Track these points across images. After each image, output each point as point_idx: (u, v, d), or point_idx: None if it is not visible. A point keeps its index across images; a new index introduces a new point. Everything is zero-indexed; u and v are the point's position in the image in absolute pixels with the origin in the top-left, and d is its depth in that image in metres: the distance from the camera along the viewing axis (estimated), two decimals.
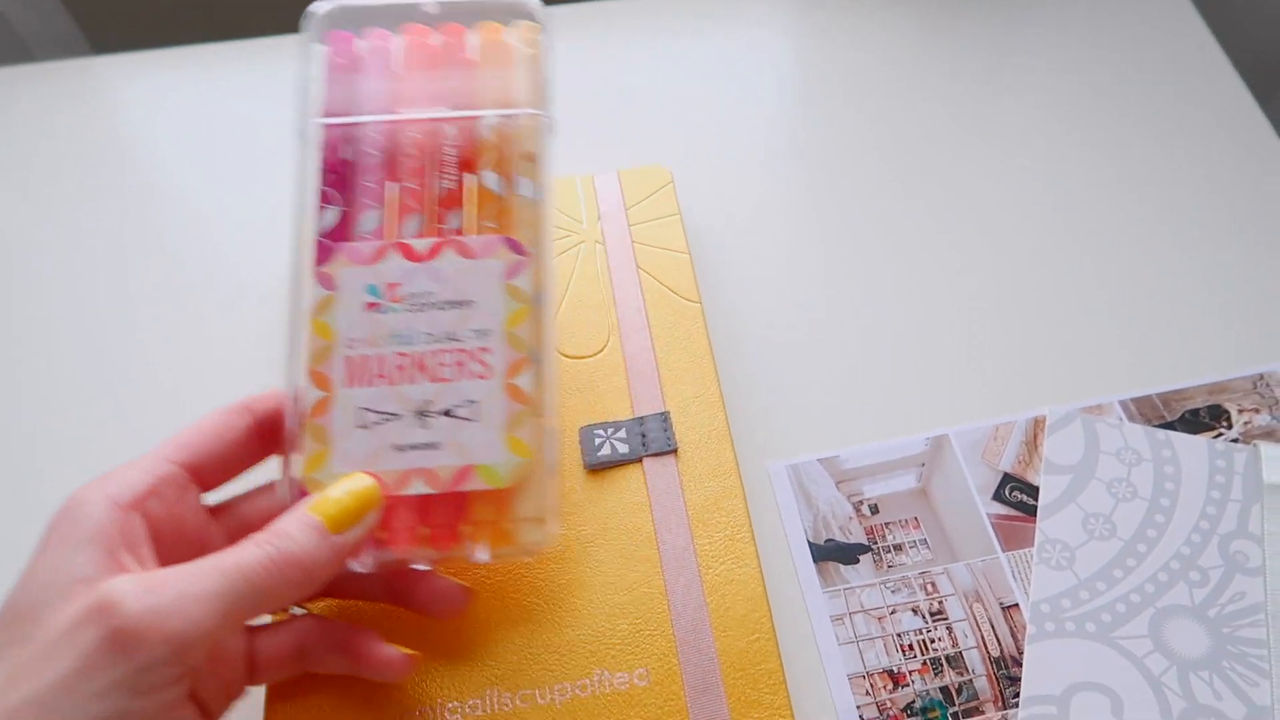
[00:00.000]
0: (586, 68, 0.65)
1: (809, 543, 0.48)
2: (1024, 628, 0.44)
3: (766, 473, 0.50)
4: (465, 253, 0.40)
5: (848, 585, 0.46)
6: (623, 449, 0.46)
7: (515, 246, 0.40)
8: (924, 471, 0.49)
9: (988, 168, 0.60)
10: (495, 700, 0.40)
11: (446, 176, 0.41)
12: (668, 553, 0.43)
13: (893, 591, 0.46)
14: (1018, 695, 0.43)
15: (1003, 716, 0.43)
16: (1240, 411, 0.50)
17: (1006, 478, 0.49)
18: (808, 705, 0.43)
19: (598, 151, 0.61)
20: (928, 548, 0.47)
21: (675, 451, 0.46)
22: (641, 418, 0.47)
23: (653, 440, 0.46)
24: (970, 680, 0.44)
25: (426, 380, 0.38)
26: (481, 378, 0.38)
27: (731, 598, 0.42)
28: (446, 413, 0.38)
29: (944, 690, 0.43)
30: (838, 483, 0.49)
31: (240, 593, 0.33)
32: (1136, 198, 0.58)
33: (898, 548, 0.47)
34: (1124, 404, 0.51)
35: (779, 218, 0.59)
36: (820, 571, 0.47)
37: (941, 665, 0.44)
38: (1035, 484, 0.48)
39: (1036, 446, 0.50)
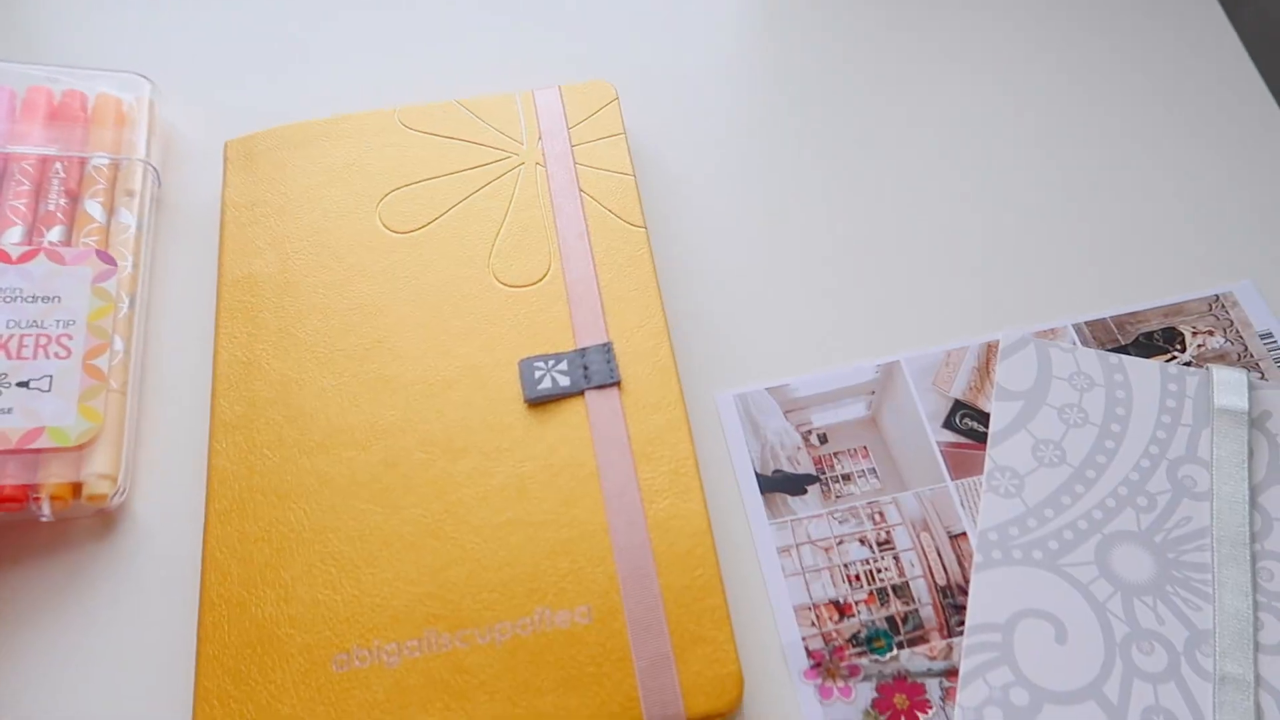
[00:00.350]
0: None
1: (756, 474, 0.46)
2: (970, 556, 0.43)
3: (714, 402, 0.48)
4: (56, 259, 0.47)
5: (795, 516, 0.45)
6: (564, 382, 0.44)
7: (106, 258, 0.48)
8: (874, 400, 0.48)
9: (941, 90, 0.57)
10: (434, 640, 0.39)
11: (52, 201, 0.50)
12: (610, 488, 0.41)
13: (840, 522, 0.45)
14: (962, 624, 0.42)
15: (948, 645, 0.42)
16: (1194, 334, 0.49)
17: (957, 405, 0.47)
18: (754, 637, 0.42)
19: (540, 68, 0.58)
20: (876, 477, 0.46)
21: (618, 384, 0.44)
22: (583, 349, 0.44)
23: (595, 372, 0.44)
24: (916, 610, 0.42)
25: (4, 357, 0.44)
26: (60, 358, 0.45)
27: (675, 533, 0.41)
28: (24, 384, 0.44)
29: (889, 620, 0.42)
30: (786, 412, 0.47)
31: None
32: (1092, 117, 0.56)
33: (846, 477, 0.46)
34: (1077, 327, 0.49)
35: (728, 139, 0.56)
36: (767, 503, 0.45)
37: (888, 595, 0.43)
38: (986, 411, 0.47)
39: (988, 372, 0.48)
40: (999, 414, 0.46)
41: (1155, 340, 0.48)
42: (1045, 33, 0.59)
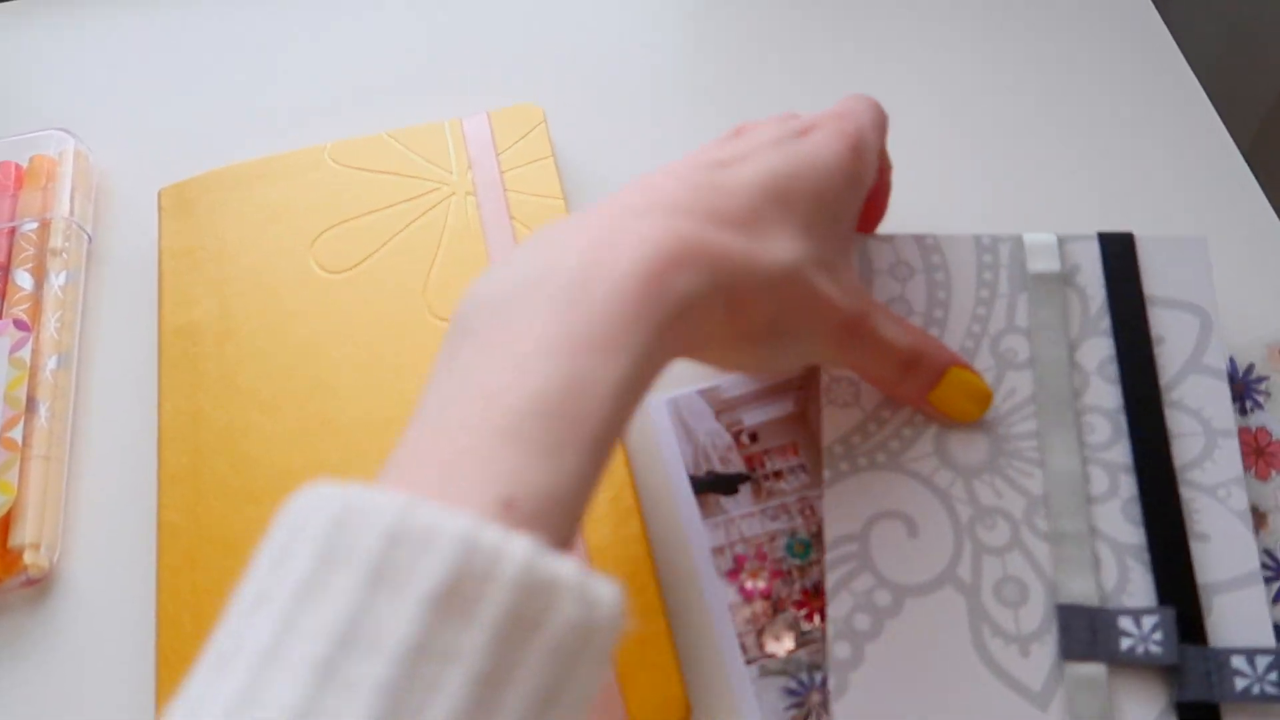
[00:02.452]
0: (449, 6, 0.56)
1: (689, 476, 0.43)
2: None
3: (646, 408, 0.44)
4: None
5: (727, 515, 0.42)
6: None
7: (21, 326, 0.45)
8: (800, 395, 0.44)
9: (877, 94, 0.53)
10: None
11: None
12: None
13: (771, 519, 0.42)
14: None
15: None
16: None
17: None
18: (691, 637, 0.39)
19: (469, 95, 0.53)
20: (805, 472, 0.43)
21: None
22: None
23: None
24: None
25: None
26: None
27: (615, 559, 0.38)
28: None
29: (824, 619, 0.39)
30: (717, 413, 0.44)
31: None
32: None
33: (777, 474, 0.43)
34: None
35: (660, 153, 0.52)
36: (700, 504, 0.42)
37: (820, 595, 0.40)
38: None
39: None
40: None
41: None
42: (990, 42, 0.55)
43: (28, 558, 0.41)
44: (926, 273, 0.41)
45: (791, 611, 0.40)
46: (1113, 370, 0.38)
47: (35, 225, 0.48)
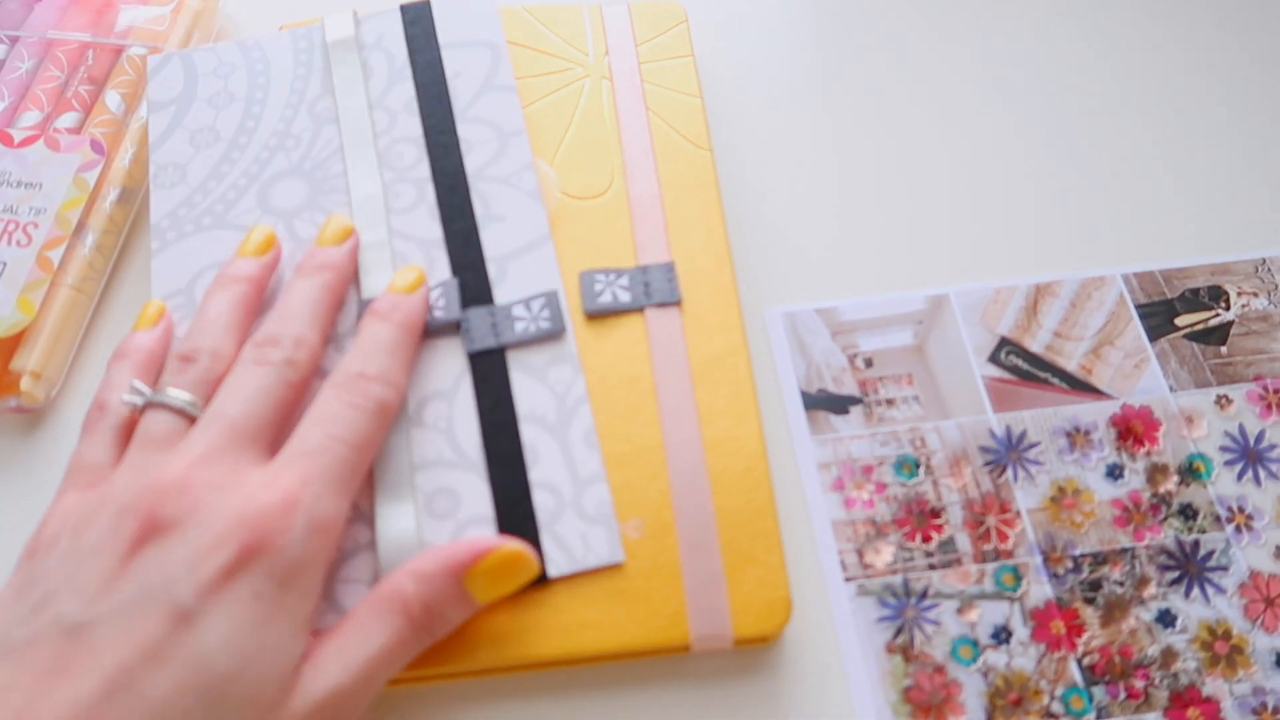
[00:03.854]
0: None
1: (801, 391, 0.41)
2: (1006, 485, 0.39)
3: (762, 318, 0.43)
4: (53, 146, 0.44)
5: (836, 435, 0.41)
6: (625, 297, 0.39)
7: (97, 148, 0.44)
8: (921, 329, 0.43)
9: (1006, 31, 0.51)
10: None
11: (72, 87, 0.46)
12: (667, 406, 0.37)
13: (881, 444, 0.40)
14: (995, 550, 0.38)
15: (980, 570, 0.38)
16: (1239, 294, 0.44)
17: (1003, 341, 0.43)
18: (791, 550, 0.38)
19: None
20: (919, 404, 0.41)
21: (679, 303, 0.39)
22: (645, 266, 0.40)
23: (656, 290, 0.39)
24: (951, 536, 0.38)
25: None
26: (21, 246, 0.41)
27: (730, 455, 0.37)
28: None
29: (924, 542, 0.38)
30: (833, 334, 0.43)
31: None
32: (1158, 75, 0.50)
33: (889, 402, 0.41)
34: (1125, 277, 0.44)
35: (792, 65, 0.50)
36: (810, 419, 0.41)
37: (924, 518, 0.39)
38: (1032, 350, 0.42)
39: (1035, 313, 0.43)
40: (155, 124, 0.44)
41: (1200, 297, 0.43)
42: None
43: (24, 384, 0.40)
44: (248, 64, 0.45)
45: (894, 531, 0.39)
46: (415, 106, 0.43)
47: (144, 52, 0.47)
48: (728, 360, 0.38)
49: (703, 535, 0.35)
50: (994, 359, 0.42)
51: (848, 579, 0.38)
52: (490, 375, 0.37)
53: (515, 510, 0.35)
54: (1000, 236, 0.45)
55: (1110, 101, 0.49)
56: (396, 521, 0.34)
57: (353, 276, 0.39)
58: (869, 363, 0.43)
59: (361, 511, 0.35)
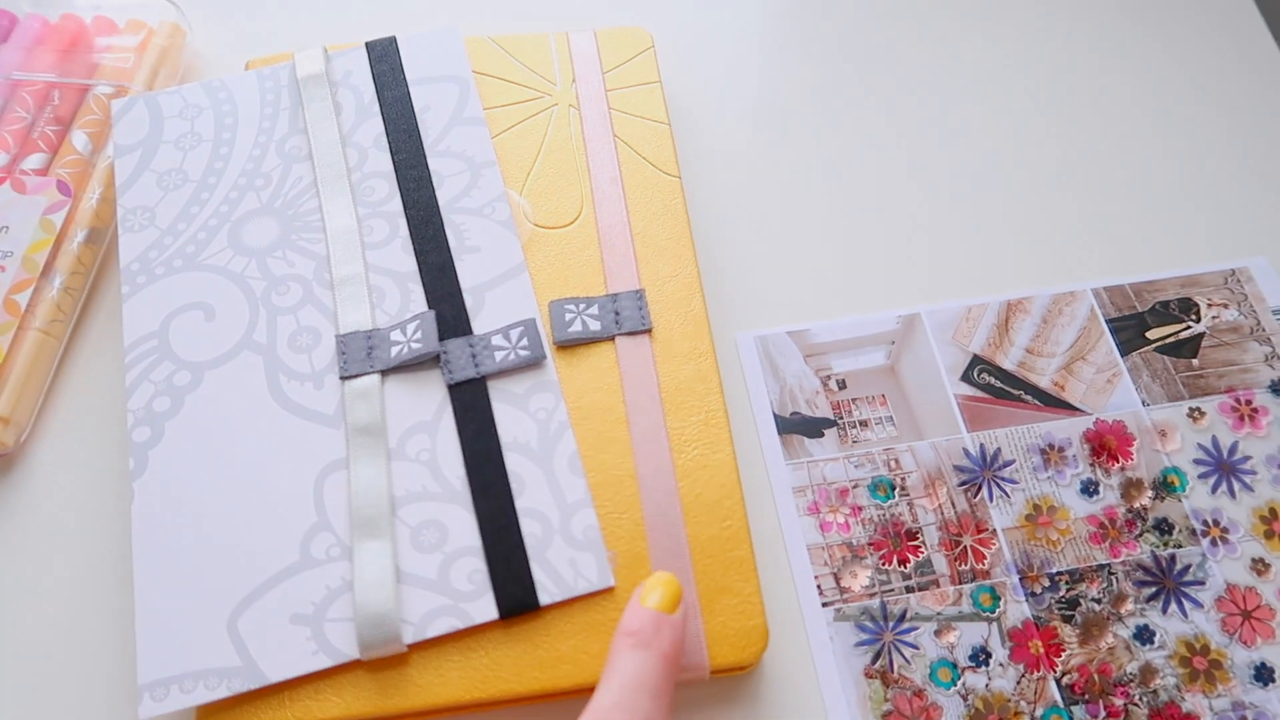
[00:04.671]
0: None
1: (774, 415, 0.41)
2: (982, 504, 0.39)
3: (734, 342, 0.43)
4: (19, 188, 0.43)
5: (811, 458, 0.41)
6: (594, 326, 0.39)
7: (63, 188, 0.44)
8: (894, 349, 0.43)
9: (969, 52, 0.52)
10: None
11: (39, 129, 0.46)
12: (639, 435, 0.37)
13: (856, 466, 0.40)
14: (971, 572, 0.38)
15: (958, 592, 0.38)
16: (1209, 305, 0.44)
17: (975, 359, 0.43)
18: (767, 575, 0.38)
19: (573, 8, 0.52)
20: (893, 425, 0.41)
21: (650, 331, 0.39)
22: (615, 294, 0.40)
23: (626, 318, 0.39)
24: (928, 557, 0.38)
25: None
26: None
27: (704, 483, 0.36)
28: None
29: (901, 564, 0.38)
30: (806, 356, 0.43)
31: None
32: (1118, 89, 0.50)
33: (863, 423, 0.41)
34: (1096, 291, 0.44)
35: (760, 89, 0.50)
36: (784, 444, 0.41)
37: (900, 540, 0.39)
38: (1004, 367, 0.42)
39: (1007, 330, 0.43)
40: (121, 168, 0.44)
41: (1171, 309, 0.43)
42: (1076, 2, 0.53)
43: None
44: (215, 106, 0.45)
45: (870, 554, 0.39)
46: (385, 141, 0.43)
47: (110, 91, 0.46)
48: (699, 387, 0.38)
49: (677, 565, 0.35)
50: (967, 378, 0.42)
51: (825, 604, 0.38)
52: (472, 405, 0.37)
53: (503, 540, 0.35)
54: (970, 254, 0.45)
55: (1078, 118, 0.49)
56: (374, 560, 0.34)
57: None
58: (842, 384, 0.42)
59: (346, 548, 0.35)
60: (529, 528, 0.35)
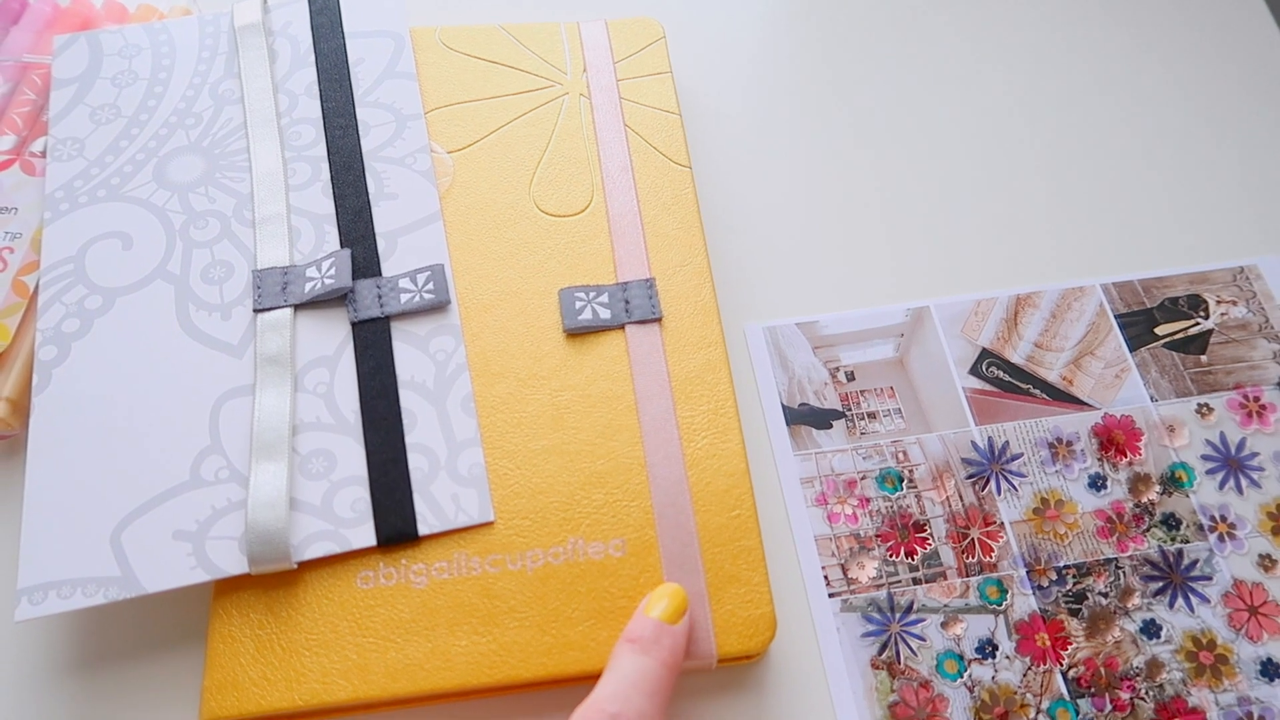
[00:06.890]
0: None
1: (783, 405, 0.41)
2: (988, 499, 0.39)
3: (743, 333, 0.43)
4: (28, 170, 0.44)
5: (819, 449, 0.40)
6: (604, 314, 0.39)
7: None
8: (902, 342, 0.43)
9: (984, 47, 0.51)
10: (463, 563, 0.35)
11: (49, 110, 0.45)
12: (648, 423, 0.37)
13: (864, 458, 0.40)
14: (979, 564, 0.38)
15: (965, 584, 0.37)
16: (1218, 303, 0.44)
17: (985, 353, 0.42)
18: (775, 565, 0.38)
19: (585, 5, 0.52)
20: (901, 417, 0.41)
21: (660, 320, 0.39)
22: (625, 283, 0.39)
23: (636, 307, 0.39)
24: (935, 549, 0.38)
25: None
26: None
27: (713, 472, 0.36)
28: None
29: (908, 556, 0.38)
30: (815, 348, 0.43)
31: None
32: (1133, 86, 0.50)
33: (871, 415, 0.41)
34: (1105, 287, 0.44)
35: (771, 81, 0.50)
36: (792, 435, 0.41)
37: (907, 532, 0.39)
38: (1013, 360, 0.42)
39: (1016, 324, 0.43)
40: (56, 100, 0.45)
41: (1180, 306, 0.43)
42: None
43: (0, 411, 0.39)
44: (154, 47, 0.45)
45: (877, 546, 0.39)
46: (316, 90, 0.44)
47: None
48: (709, 376, 0.38)
49: (685, 554, 0.35)
50: (975, 371, 0.42)
51: (832, 595, 0.38)
52: (373, 343, 0.38)
53: (389, 471, 0.36)
54: (980, 248, 0.45)
55: (1088, 113, 0.49)
56: (270, 480, 0.35)
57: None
58: (851, 376, 0.42)
59: (236, 471, 0.35)
60: (415, 462, 0.36)
